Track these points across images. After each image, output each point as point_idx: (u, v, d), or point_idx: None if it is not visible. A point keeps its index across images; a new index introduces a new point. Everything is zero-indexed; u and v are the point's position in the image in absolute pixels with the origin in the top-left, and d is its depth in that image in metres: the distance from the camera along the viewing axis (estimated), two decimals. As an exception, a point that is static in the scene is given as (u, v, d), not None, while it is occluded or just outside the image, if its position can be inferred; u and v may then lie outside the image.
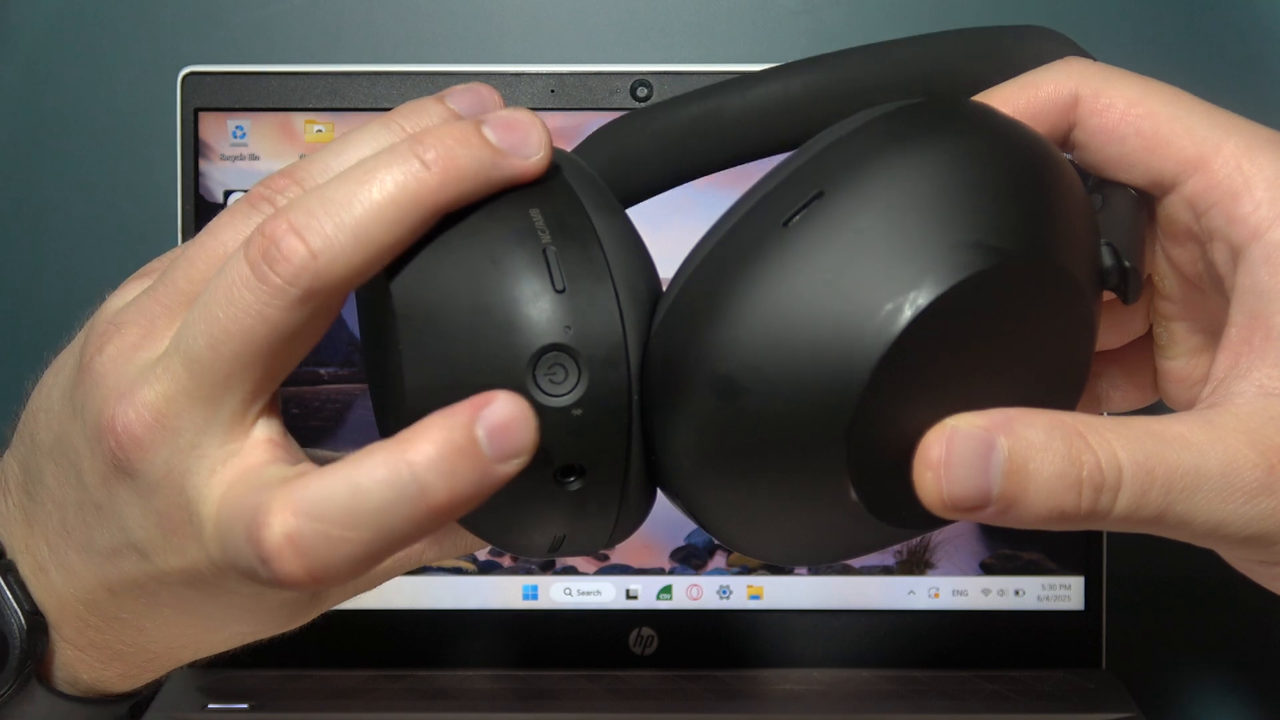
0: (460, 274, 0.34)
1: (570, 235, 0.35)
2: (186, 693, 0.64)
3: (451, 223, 0.35)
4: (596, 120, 0.66)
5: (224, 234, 0.36)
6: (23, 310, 0.74)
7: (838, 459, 0.33)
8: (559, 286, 0.34)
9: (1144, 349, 0.42)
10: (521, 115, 0.36)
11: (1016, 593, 0.67)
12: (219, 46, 0.74)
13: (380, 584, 0.41)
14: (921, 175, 0.33)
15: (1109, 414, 0.42)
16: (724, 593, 0.67)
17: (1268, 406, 0.34)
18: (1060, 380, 0.36)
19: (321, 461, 0.41)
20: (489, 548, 0.39)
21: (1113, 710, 0.63)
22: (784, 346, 0.32)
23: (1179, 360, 0.40)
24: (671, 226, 0.66)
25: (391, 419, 0.36)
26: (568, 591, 0.67)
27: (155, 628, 0.39)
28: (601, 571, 0.67)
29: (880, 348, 0.32)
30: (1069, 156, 0.38)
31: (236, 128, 0.66)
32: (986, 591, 0.67)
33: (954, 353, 0.33)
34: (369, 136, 0.37)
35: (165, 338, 0.36)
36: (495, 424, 0.32)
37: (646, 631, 0.67)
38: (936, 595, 0.67)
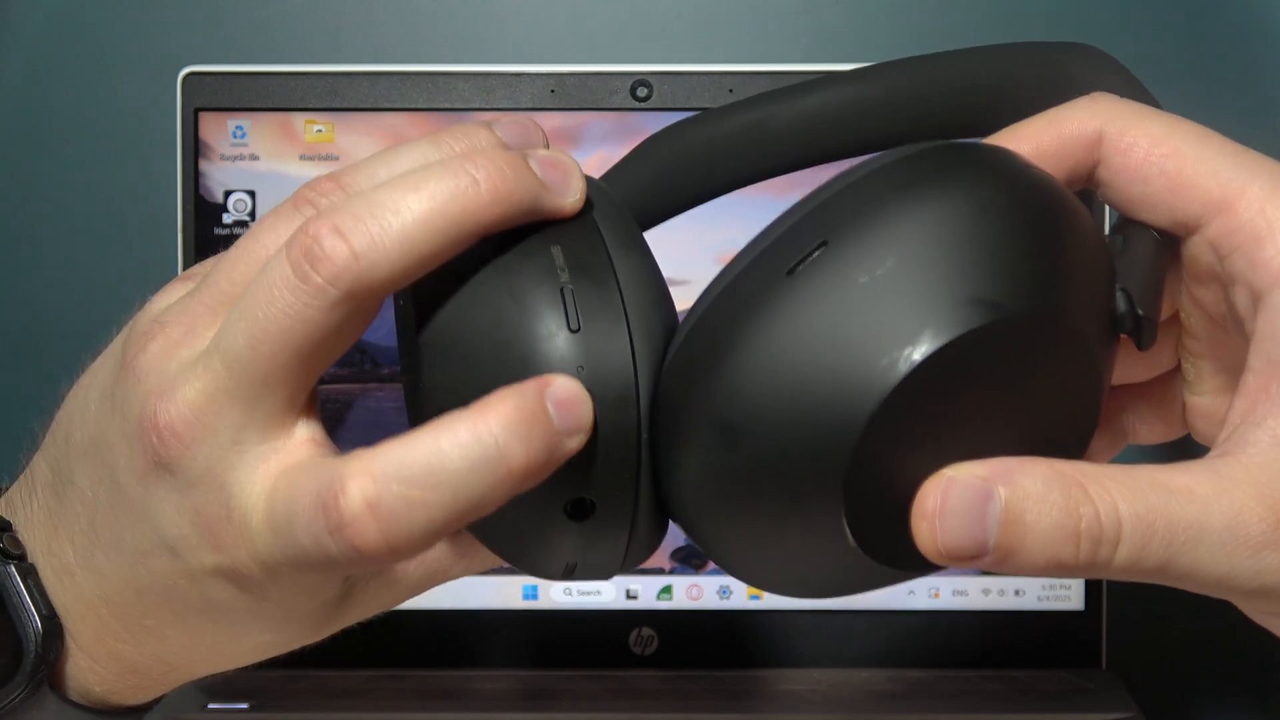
0: (480, 306, 0.36)
1: (589, 275, 0.36)
2: (186, 693, 0.64)
3: (477, 250, 0.36)
4: (596, 120, 0.66)
5: (266, 236, 0.36)
6: (23, 310, 0.74)
7: (834, 506, 0.33)
8: (574, 326, 0.35)
9: (1172, 383, 0.41)
10: (564, 158, 0.37)
11: (1016, 593, 0.67)
12: (219, 46, 0.74)
13: (407, 599, 0.41)
14: (925, 227, 0.33)
15: (1136, 445, 0.42)
16: (724, 593, 0.67)
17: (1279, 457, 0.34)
18: (1066, 429, 0.36)
19: None
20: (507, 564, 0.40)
21: (1113, 710, 0.63)
22: (782, 396, 0.33)
23: (1205, 396, 0.40)
24: (684, 229, 0.66)
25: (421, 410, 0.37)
26: (568, 591, 0.67)
27: (177, 635, 0.39)
28: (601, 571, 0.67)
29: (874, 401, 0.32)
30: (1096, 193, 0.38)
31: (236, 128, 0.66)
32: (986, 591, 0.67)
33: (954, 404, 0.33)
34: (418, 151, 0.37)
35: (207, 337, 0.36)
36: (561, 398, 0.34)
37: (646, 631, 0.67)
38: (936, 595, 0.67)
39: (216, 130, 0.66)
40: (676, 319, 0.37)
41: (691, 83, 0.66)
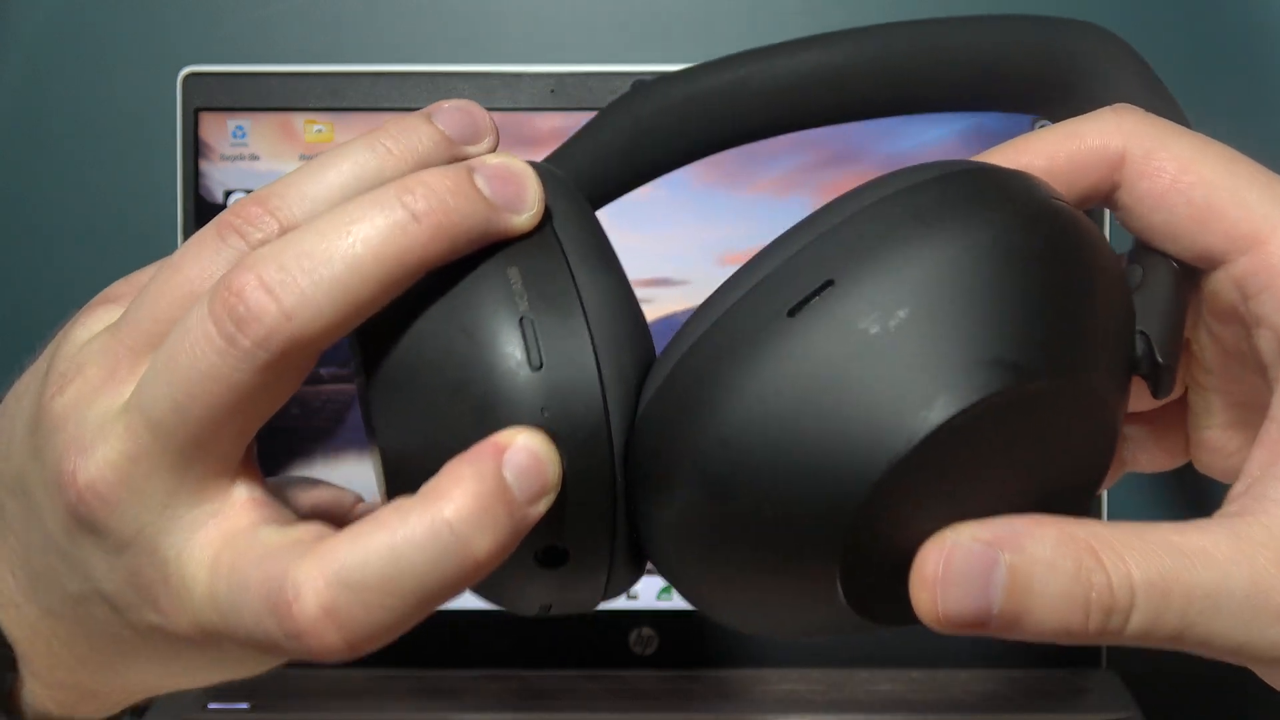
0: (431, 344, 0.32)
1: (550, 302, 0.32)
2: (186, 692, 0.64)
3: (429, 279, 0.33)
4: (596, 120, 0.66)
5: (190, 268, 0.33)
6: (23, 310, 0.74)
7: (829, 567, 0.31)
8: (535, 363, 0.32)
9: (1177, 414, 0.39)
10: (515, 166, 0.34)
11: (1016, 593, 0.67)
12: (219, 46, 0.74)
13: None
14: (942, 274, 0.30)
15: (1134, 473, 0.41)
16: (724, 593, 0.67)
17: None
18: (1076, 479, 0.34)
19: (288, 488, 0.39)
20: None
21: (1113, 710, 0.63)
22: (779, 452, 0.30)
23: (1213, 430, 0.38)
24: (684, 228, 0.66)
25: (378, 463, 0.35)
26: (568, 591, 0.67)
27: (129, 672, 0.37)
28: (601, 571, 0.67)
29: (883, 466, 0.30)
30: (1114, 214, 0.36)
31: (236, 128, 0.66)
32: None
33: (964, 465, 0.31)
34: (350, 158, 0.34)
35: (128, 382, 0.33)
36: (521, 465, 0.31)
37: (646, 631, 0.67)
38: (936, 595, 0.67)
39: (216, 130, 0.66)
40: (650, 343, 0.34)
41: (691, 83, 0.66)
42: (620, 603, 0.67)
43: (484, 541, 0.31)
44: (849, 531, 0.31)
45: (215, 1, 0.74)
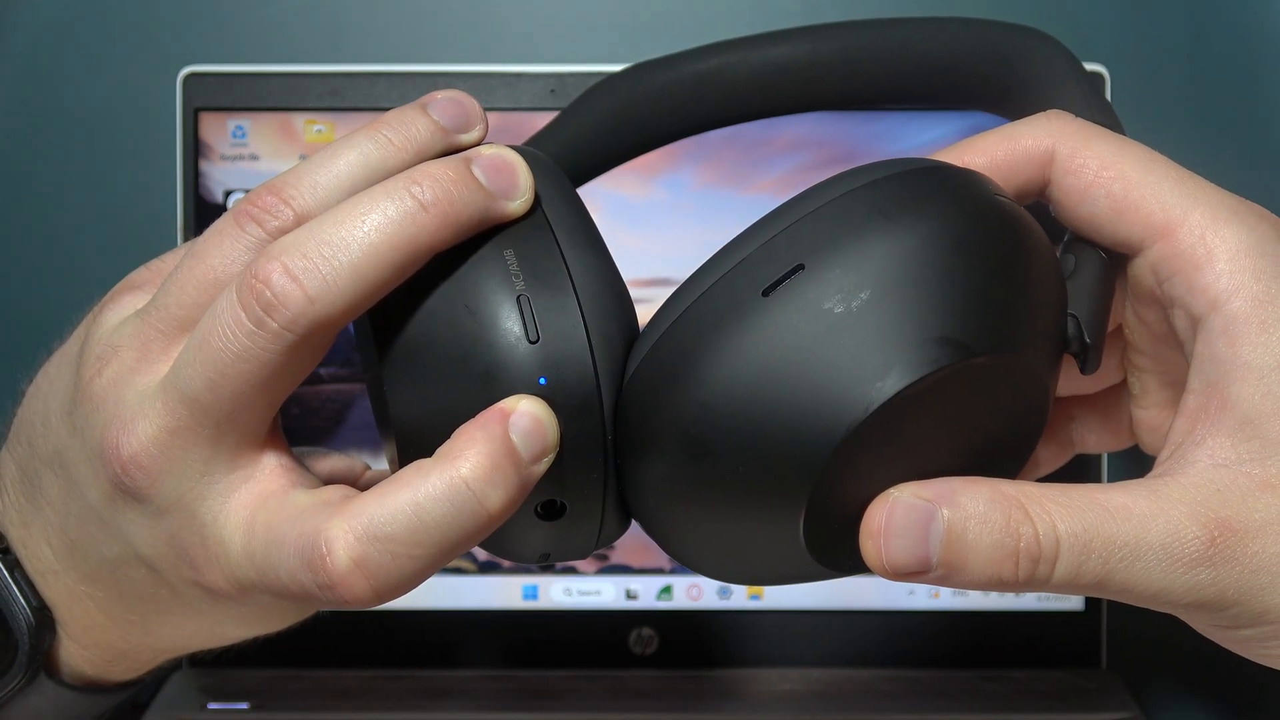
0: (438, 322, 0.36)
1: (544, 280, 0.36)
2: (186, 692, 0.64)
3: (432, 263, 0.36)
4: (596, 120, 0.66)
5: (213, 256, 0.36)
6: (23, 310, 0.74)
7: (793, 520, 0.35)
8: (533, 337, 0.35)
9: (1119, 396, 0.43)
10: (507, 156, 0.37)
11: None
12: (219, 46, 0.74)
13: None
14: (900, 261, 0.34)
15: (1084, 454, 0.44)
16: (724, 592, 0.67)
17: (1216, 478, 0.35)
18: (1013, 444, 0.38)
19: (305, 457, 0.42)
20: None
21: (1113, 710, 0.63)
22: (752, 416, 0.34)
23: (1150, 410, 0.41)
24: (680, 228, 0.66)
25: (389, 438, 0.38)
26: (568, 591, 0.67)
27: (162, 629, 0.40)
28: (601, 571, 0.67)
29: (841, 432, 0.33)
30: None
31: (236, 128, 0.66)
32: (986, 591, 0.67)
33: (913, 430, 0.35)
34: (356, 148, 0.37)
35: (161, 363, 0.36)
36: (525, 428, 0.35)
37: (646, 631, 0.67)
38: (936, 595, 0.67)
39: (216, 130, 0.66)
40: (634, 314, 0.38)
41: (691, 83, 0.66)
42: (620, 603, 0.67)
43: (496, 496, 0.34)
44: (812, 487, 0.34)
45: (215, 1, 0.74)
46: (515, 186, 0.36)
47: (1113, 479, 0.65)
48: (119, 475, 0.36)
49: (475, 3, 0.75)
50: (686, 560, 0.38)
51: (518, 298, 0.35)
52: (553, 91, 0.66)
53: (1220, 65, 0.74)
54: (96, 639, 0.40)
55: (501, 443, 0.34)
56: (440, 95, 0.38)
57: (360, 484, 0.43)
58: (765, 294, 0.34)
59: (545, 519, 0.37)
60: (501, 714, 0.64)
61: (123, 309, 0.38)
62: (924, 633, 0.67)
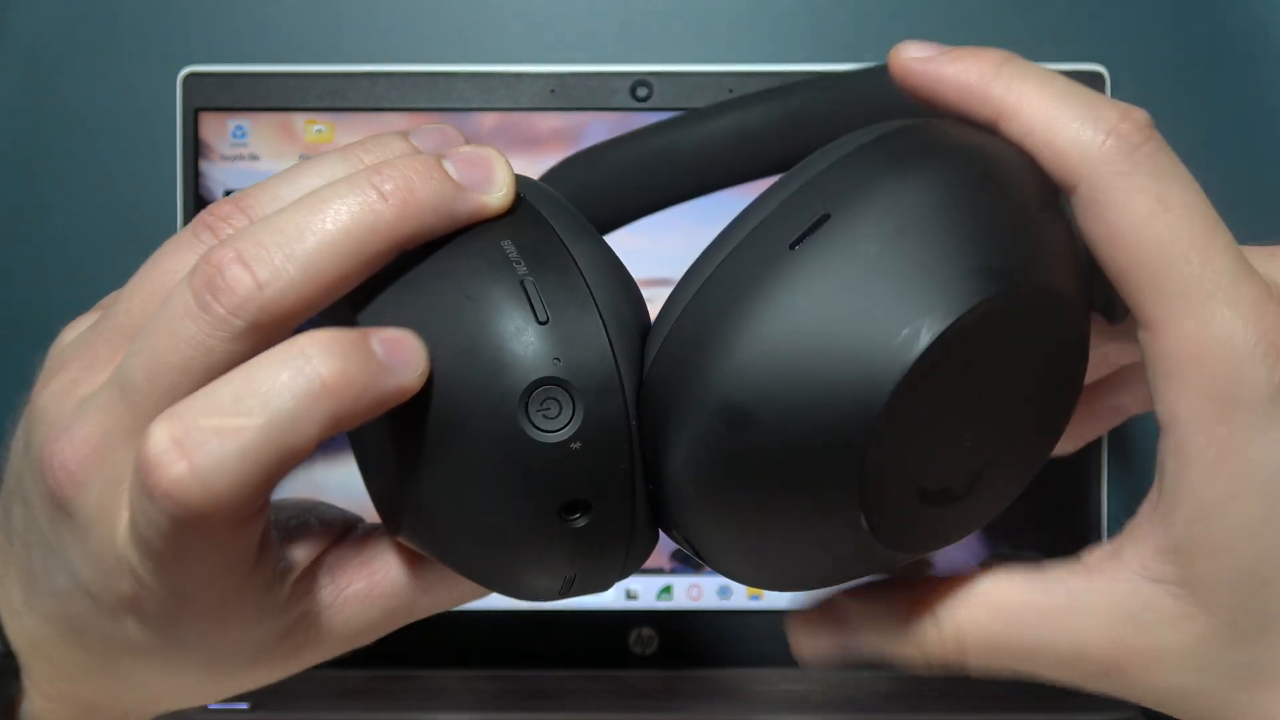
0: (437, 314, 0.33)
1: (547, 264, 0.34)
2: (186, 693, 0.64)
3: (417, 257, 0.34)
4: (596, 120, 0.66)
5: (166, 264, 0.35)
6: (23, 311, 0.74)
7: (850, 488, 0.32)
8: (541, 318, 0.33)
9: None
10: (484, 151, 0.35)
11: (1016, 593, 0.67)
12: (219, 46, 0.74)
13: (370, 640, 0.39)
14: (926, 199, 0.33)
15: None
16: (724, 593, 0.67)
17: (1137, 595, 0.35)
18: (1054, 399, 0.36)
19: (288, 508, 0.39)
20: (488, 594, 0.38)
21: (1113, 710, 0.63)
22: (795, 374, 0.32)
23: None
24: (673, 228, 0.66)
25: (381, 468, 0.36)
26: (568, 591, 0.67)
27: (126, 676, 0.37)
28: (601, 571, 0.67)
29: (896, 374, 0.31)
30: None
31: (236, 128, 0.66)
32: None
33: (962, 377, 0.33)
34: (325, 167, 0.36)
35: (106, 372, 0.35)
36: (386, 337, 0.33)
37: (646, 631, 0.67)
38: (936, 595, 0.67)
39: (216, 130, 0.66)
40: (644, 303, 0.36)
41: (691, 83, 0.66)
42: (620, 603, 0.67)
43: (336, 367, 0.32)
44: (867, 446, 0.32)
45: (215, 1, 0.74)
46: (490, 180, 0.35)
47: (1112, 487, 0.65)
48: (53, 486, 0.34)
49: (475, 3, 0.75)
50: (726, 563, 0.36)
51: (521, 281, 0.33)
52: (553, 91, 0.66)
53: (1220, 65, 0.74)
54: (63, 689, 0.37)
55: (356, 335, 0.32)
56: (425, 125, 0.37)
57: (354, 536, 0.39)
58: (793, 247, 0.32)
59: (568, 522, 0.34)
60: (501, 714, 0.64)
61: (79, 326, 0.37)
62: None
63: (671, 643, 0.67)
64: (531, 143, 0.66)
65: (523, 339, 0.33)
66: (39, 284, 0.75)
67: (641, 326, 0.35)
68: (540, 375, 0.33)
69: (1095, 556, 0.36)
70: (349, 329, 0.33)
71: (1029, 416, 0.35)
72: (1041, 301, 0.33)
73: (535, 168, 0.66)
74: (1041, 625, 0.35)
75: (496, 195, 0.35)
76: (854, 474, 0.32)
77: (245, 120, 0.66)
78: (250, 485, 0.32)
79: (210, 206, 0.35)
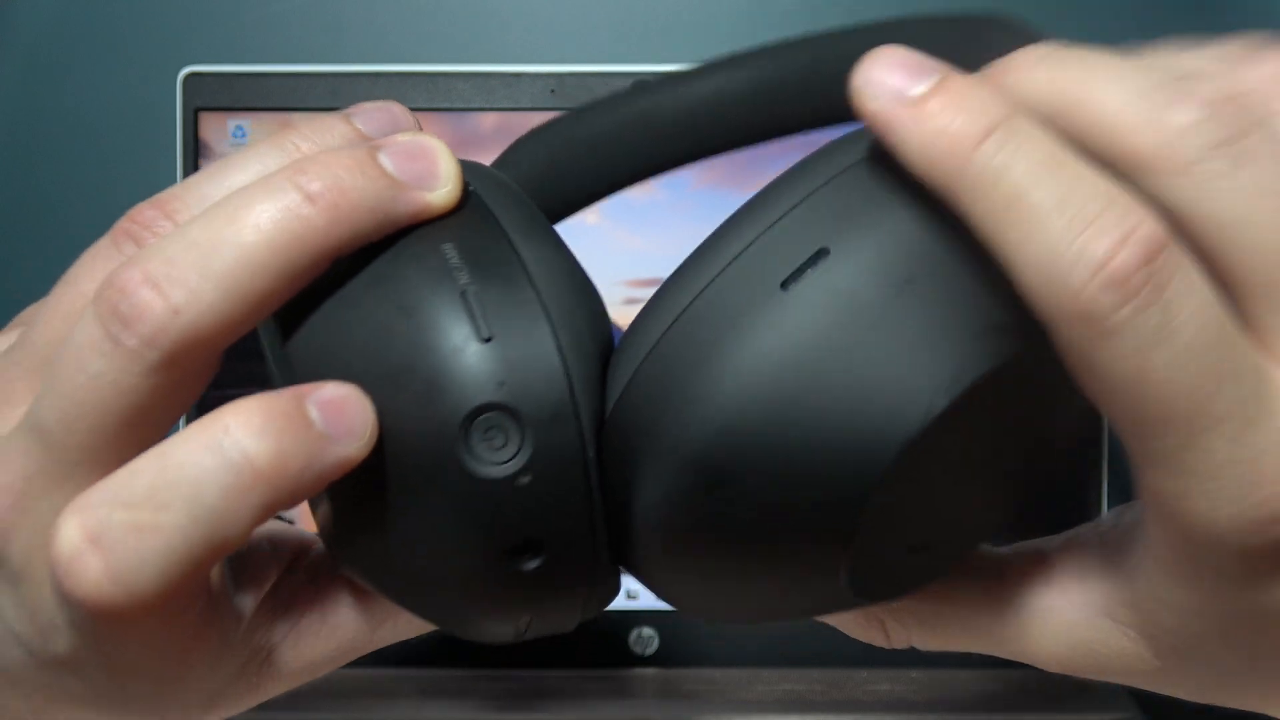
0: (366, 328, 0.29)
1: (493, 272, 0.30)
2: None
3: (352, 267, 0.30)
4: (596, 120, 0.66)
5: (83, 281, 0.31)
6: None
7: (835, 555, 0.30)
8: (484, 334, 0.29)
9: None
10: (425, 141, 0.31)
11: (1016, 593, 0.67)
12: (219, 46, 0.74)
13: (329, 670, 0.36)
14: (938, 241, 0.28)
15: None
16: (724, 593, 0.67)
17: (1095, 626, 0.32)
18: (1075, 433, 0.33)
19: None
20: (435, 629, 0.34)
21: (1113, 710, 0.63)
22: (787, 436, 0.28)
23: None
24: (671, 226, 0.66)
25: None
26: (568, 591, 0.67)
27: None
28: (601, 571, 0.67)
29: (900, 443, 0.28)
30: None
31: (236, 128, 0.66)
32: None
33: (967, 435, 0.30)
34: (255, 159, 0.32)
35: (23, 405, 0.31)
36: (326, 399, 0.29)
37: (646, 631, 0.67)
38: (936, 595, 0.67)
39: (216, 130, 0.66)
40: (605, 315, 0.32)
41: (691, 83, 0.66)
42: (620, 603, 0.67)
43: (267, 450, 0.28)
44: (860, 514, 0.29)
45: (215, 1, 0.74)
46: (433, 175, 0.31)
47: (1112, 485, 0.65)
48: None
49: (475, 3, 0.75)
50: (686, 604, 0.33)
51: (462, 292, 0.29)
52: (553, 91, 0.66)
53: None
54: None
55: (288, 403, 0.28)
56: (368, 104, 0.33)
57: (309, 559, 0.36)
58: (785, 286, 0.28)
59: (518, 564, 0.30)
60: (501, 714, 0.64)
61: None
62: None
63: (671, 643, 0.67)
64: (531, 143, 0.66)
65: (462, 359, 0.29)
66: (39, 284, 0.75)
67: (602, 341, 0.31)
68: (482, 401, 0.29)
69: (1060, 572, 0.33)
70: (280, 394, 0.29)
71: (1033, 464, 0.32)
72: (1054, 355, 0.29)
73: (535, 168, 0.66)
74: (1005, 642, 0.33)
75: (440, 192, 0.31)
76: (842, 539, 0.29)
77: (245, 120, 0.66)
78: (177, 581, 0.29)
79: (131, 211, 0.32)
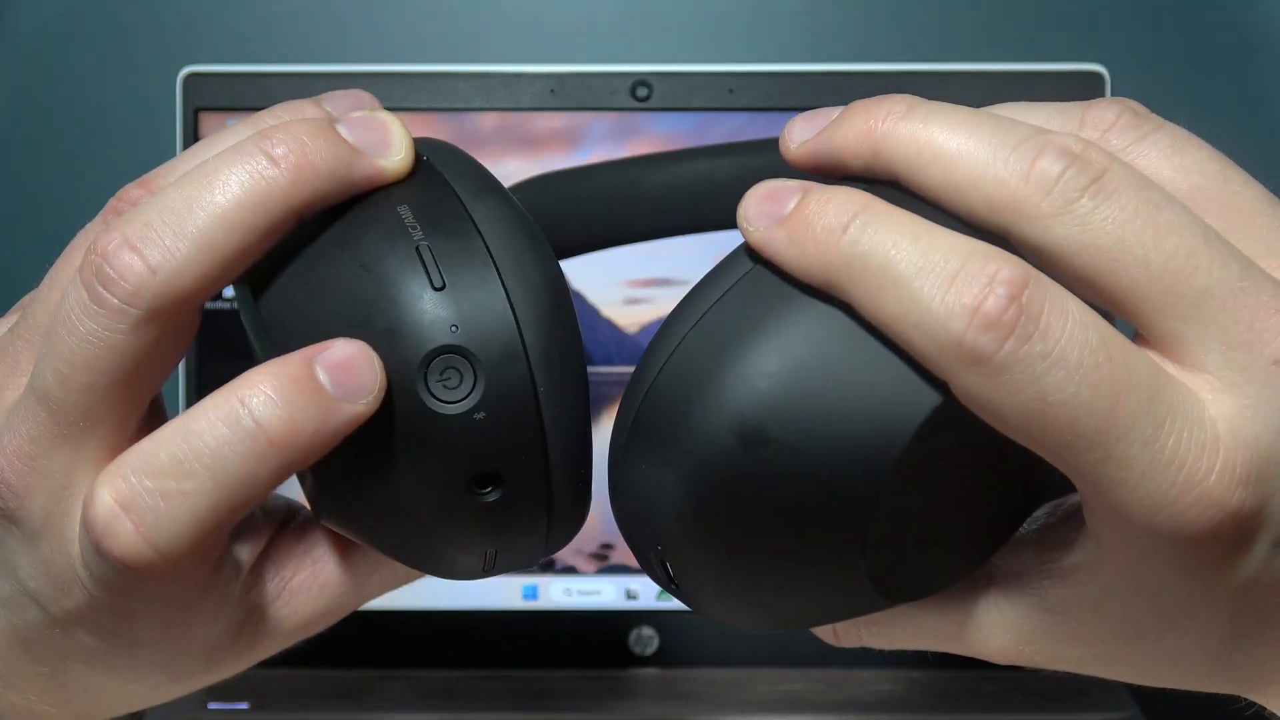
0: (330, 285, 0.32)
1: (445, 228, 0.32)
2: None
3: (314, 229, 0.33)
4: (596, 120, 0.66)
5: (77, 256, 0.33)
6: (23, 310, 0.75)
7: (859, 529, 0.31)
8: (438, 284, 0.32)
9: None
10: (380, 115, 0.34)
11: (1016, 593, 0.67)
12: (219, 46, 0.74)
13: (321, 628, 0.38)
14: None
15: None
16: (724, 593, 0.67)
17: (1037, 622, 0.33)
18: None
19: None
20: (423, 577, 0.37)
21: (1113, 710, 0.63)
22: (826, 399, 0.30)
23: None
24: (671, 226, 0.66)
25: None
26: (568, 591, 0.67)
27: (74, 682, 0.36)
28: (601, 571, 0.67)
29: (927, 407, 0.29)
30: None
31: (236, 128, 0.66)
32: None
33: (970, 441, 0.31)
34: (232, 134, 0.34)
35: (28, 374, 0.33)
36: (335, 362, 0.31)
37: (646, 631, 0.67)
38: (936, 595, 0.67)
39: (216, 130, 0.66)
40: (554, 261, 0.34)
41: (691, 83, 0.66)
42: (620, 603, 0.67)
43: (280, 419, 0.31)
44: (886, 479, 0.30)
45: (215, 1, 0.74)
46: (387, 143, 0.33)
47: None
48: None
49: (475, 3, 0.75)
50: (703, 595, 0.34)
51: (416, 247, 0.32)
52: (553, 91, 0.66)
53: (1220, 65, 0.74)
54: (12, 700, 0.36)
55: (298, 368, 0.31)
56: (337, 91, 0.36)
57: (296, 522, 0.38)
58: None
59: (480, 496, 0.32)
60: (501, 714, 0.64)
61: (2, 330, 0.36)
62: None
63: (671, 643, 0.67)
64: (531, 143, 0.66)
65: (418, 306, 0.31)
66: (40, 283, 0.75)
67: (553, 285, 0.33)
68: (437, 344, 0.31)
69: (1000, 570, 0.34)
70: (289, 359, 0.31)
71: (1032, 469, 0.33)
72: None
73: (535, 167, 0.66)
74: (952, 639, 0.34)
75: (394, 159, 0.33)
76: (866, 514, 0.30)
77: (245, 120, 0.66)
78: (203, 539, 0.31)
79: (120, 191, 0.34)
